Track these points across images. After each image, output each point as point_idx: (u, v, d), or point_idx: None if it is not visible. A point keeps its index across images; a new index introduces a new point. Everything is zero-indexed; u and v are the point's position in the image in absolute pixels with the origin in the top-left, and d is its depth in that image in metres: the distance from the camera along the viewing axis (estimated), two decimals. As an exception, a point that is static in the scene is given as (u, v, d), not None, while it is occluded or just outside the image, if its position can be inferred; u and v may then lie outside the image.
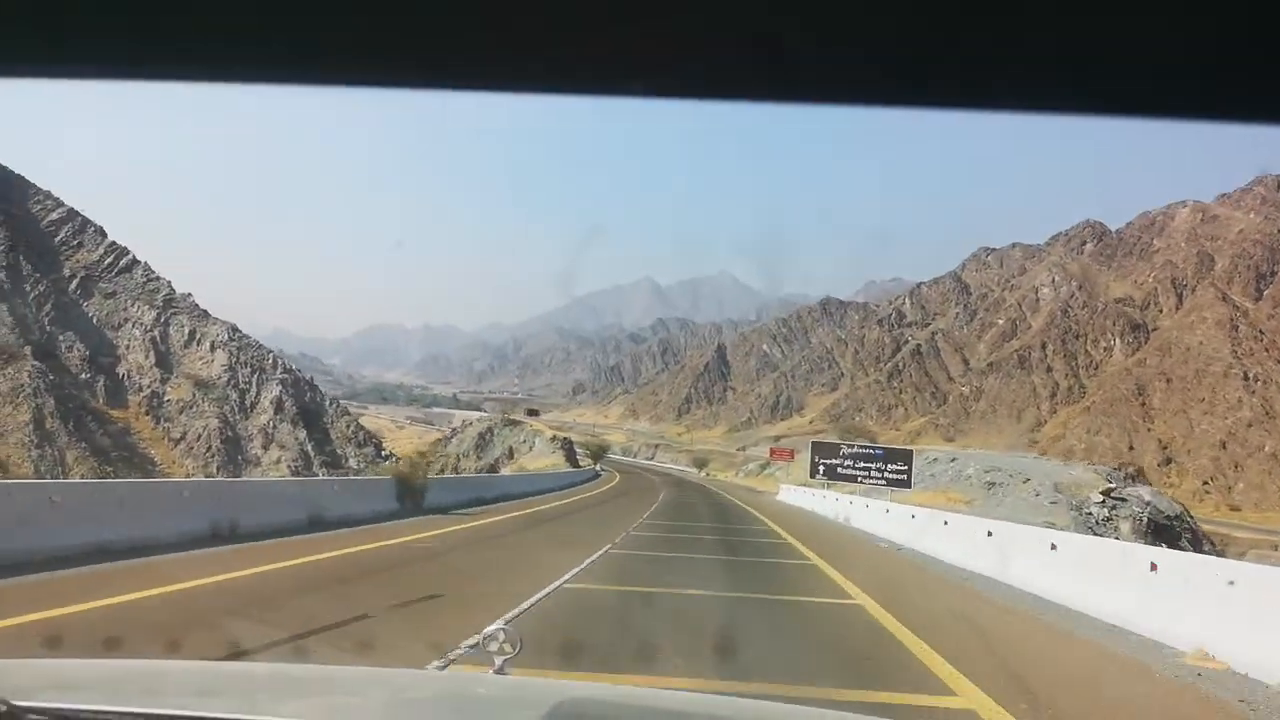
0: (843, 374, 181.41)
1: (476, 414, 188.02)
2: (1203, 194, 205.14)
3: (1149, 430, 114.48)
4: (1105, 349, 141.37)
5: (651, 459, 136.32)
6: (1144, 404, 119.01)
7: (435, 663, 5.70)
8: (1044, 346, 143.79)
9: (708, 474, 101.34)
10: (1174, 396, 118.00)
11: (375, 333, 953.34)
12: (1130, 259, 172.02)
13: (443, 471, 59.31)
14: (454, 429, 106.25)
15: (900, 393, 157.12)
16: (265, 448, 60.29)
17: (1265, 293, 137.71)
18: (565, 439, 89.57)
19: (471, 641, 5.86)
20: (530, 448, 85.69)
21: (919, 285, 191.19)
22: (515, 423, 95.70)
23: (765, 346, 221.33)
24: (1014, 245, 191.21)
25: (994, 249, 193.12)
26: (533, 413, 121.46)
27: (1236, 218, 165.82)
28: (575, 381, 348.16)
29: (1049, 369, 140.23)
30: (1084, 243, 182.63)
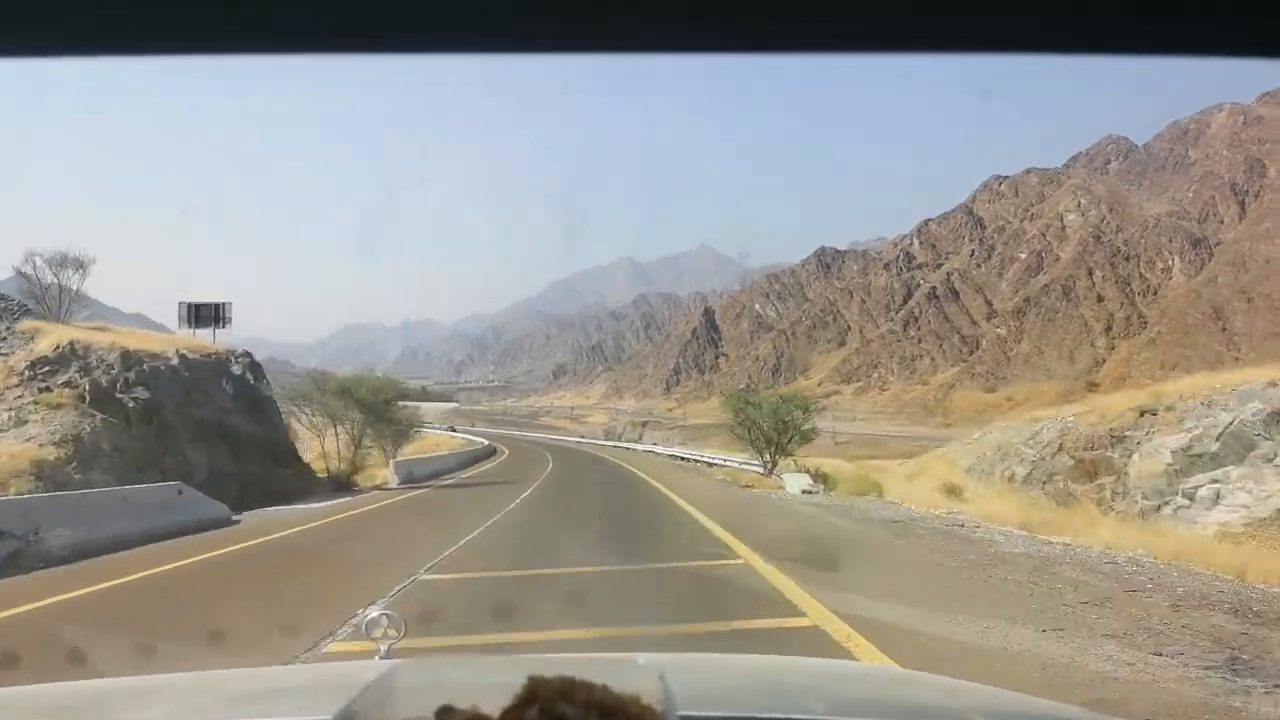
0: (849, 327, 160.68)
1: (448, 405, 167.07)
2: (1239, 96, 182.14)
3: (1236, 359, 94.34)
4: (1163, 270, 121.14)
5: (639, 439, 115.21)
6: (1225, 329, 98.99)
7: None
8: (1090, 274, 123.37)
9: (774, 468, 28.43)
10: (1259, 317, 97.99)
11: (353, 332, 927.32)
12: (1164, 174, 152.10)
13: None
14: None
15: (920, 341, 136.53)
16: None
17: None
18: (97, 376, 20.49)
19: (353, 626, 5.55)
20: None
21: (926, 222, 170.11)
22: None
23: (758, 306, 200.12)
24: (1029, 171, 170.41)
25: (1006, 177, 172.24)
26: (220, 320, 31.21)
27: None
28: (556, 364, 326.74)
29: (1100, 298, 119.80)
30: (1108, 161, 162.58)
